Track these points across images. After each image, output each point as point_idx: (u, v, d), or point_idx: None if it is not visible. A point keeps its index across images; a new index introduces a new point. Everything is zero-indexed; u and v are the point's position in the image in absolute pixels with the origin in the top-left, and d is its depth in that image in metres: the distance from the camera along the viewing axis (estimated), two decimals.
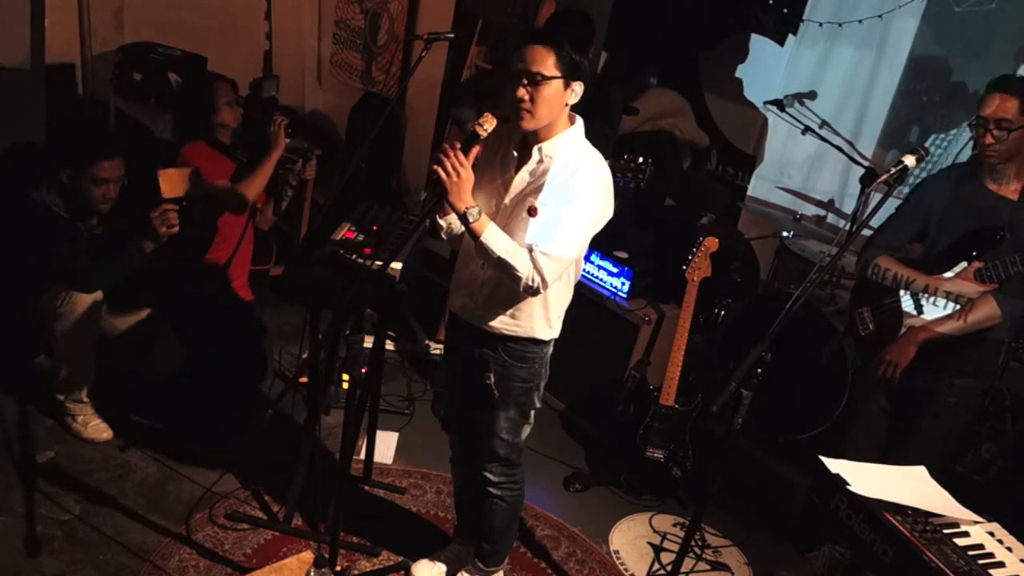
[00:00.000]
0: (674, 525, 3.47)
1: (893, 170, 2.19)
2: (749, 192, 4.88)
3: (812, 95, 4.42)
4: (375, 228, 2.67)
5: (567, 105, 2.27)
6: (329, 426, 3.51)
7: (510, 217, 2.33)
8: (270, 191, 3.89)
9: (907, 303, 2.84)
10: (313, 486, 2.99)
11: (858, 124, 4.46)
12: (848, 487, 2.02)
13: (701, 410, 3.53)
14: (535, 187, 2.31)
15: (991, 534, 2.02)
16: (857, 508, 1.98)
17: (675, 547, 3.25)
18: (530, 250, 2.23)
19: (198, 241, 3.70)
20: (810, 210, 4.48)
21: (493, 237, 2.22)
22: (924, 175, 3.36)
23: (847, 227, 4.04)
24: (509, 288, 2.32)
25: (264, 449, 3.28)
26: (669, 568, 3.10)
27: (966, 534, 1.99)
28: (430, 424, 3.88)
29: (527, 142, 2.32)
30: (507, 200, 2.35)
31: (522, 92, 2.18)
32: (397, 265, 2.51)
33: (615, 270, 3.98)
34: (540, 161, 2.31)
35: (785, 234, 4.16)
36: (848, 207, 4.34)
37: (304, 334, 3.27)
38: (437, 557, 2.92)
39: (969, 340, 2.72)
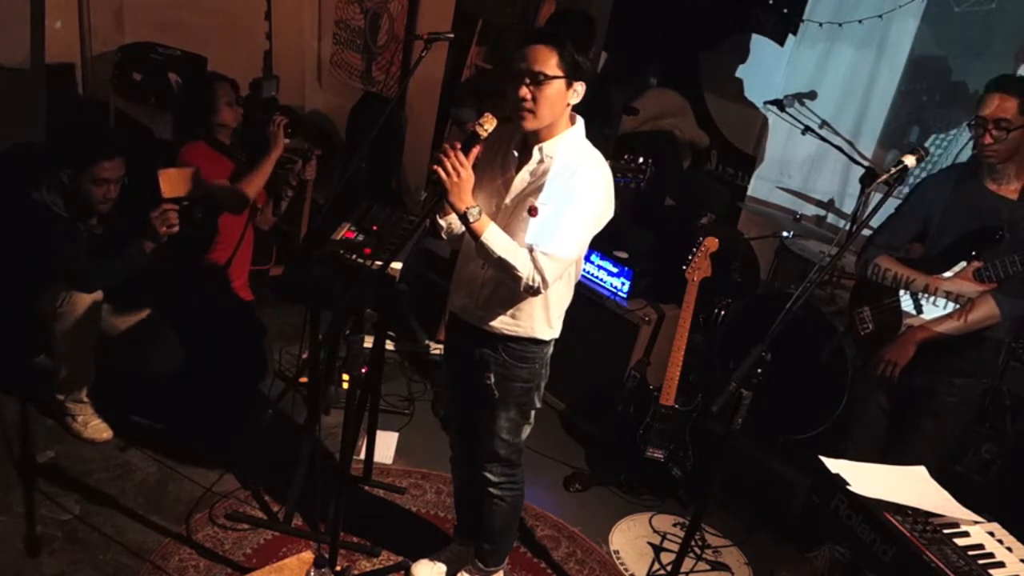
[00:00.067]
0: (674, 525, 3.47)
1: (893, 170, 2.19)
2: (749, 192, 4.88)
3: (812, 95, 4.42)
4: (375, 228, 2.67)
5: (569, 105, 2.27)
6: (329, 426, 3.51)
7: (510, 217, 2.33)
8: (270, 191, 3.89)
9: (907, 303, 2.84)
10: (313, 486, 2.99)
11: (858, 124, 4.46)
12: (848, 487, 2.02)
13: (701, 410, 3.53)
14: (535, 187, 2.31)
15: (991, 534, 2.02)
16: (857, 508, 1.98)
17: (675, 547, 3.25)
18: (530, 250, 2.23)
19: (198, 241, 3.70)
20: (810, 210, 4.48)
21: (493, 237, 2.22)
22: (924, 175, 3.36)
23: (847, 227, 4.04)
24: (509, 288, 2.32)
25: (264, 449, 3.28)
26: (669, 568, 3.10)
27: (966, 534, 1.99)
28: (430, 424, 3.88)
29: (527, 142, 2.32)
30: (507, 200, 2.35)
31: (524, 92, 2.18)
32: (397, 265, 2.52)
33: (615, 270, 3.98)
34: (540, 161, 2.31)
35: (785, 234, 4.16)
36: (848, 207, 4.34)
37: (304, 334, 3.27)
38: (437, 557, 2.92)
39: (969, 340, 2.72)
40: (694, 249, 3.46)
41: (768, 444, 3.66)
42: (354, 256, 2.57)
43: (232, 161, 3.76)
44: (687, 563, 3.09)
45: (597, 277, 4.04)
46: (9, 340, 3.26)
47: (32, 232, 3.08)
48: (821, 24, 4.50)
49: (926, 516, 1.98)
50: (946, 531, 1.96)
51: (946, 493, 2.14)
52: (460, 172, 2.16)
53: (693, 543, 3.25)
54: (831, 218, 4.52)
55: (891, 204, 2.54)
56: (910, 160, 2.20)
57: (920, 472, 2.23)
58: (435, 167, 2.17)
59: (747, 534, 3.47)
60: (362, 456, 3.33)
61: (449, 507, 3.26)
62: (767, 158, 4.89)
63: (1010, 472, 3.40)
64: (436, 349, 4.29)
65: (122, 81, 4.57)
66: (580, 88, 2.25)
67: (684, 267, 3.46)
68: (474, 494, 2.75)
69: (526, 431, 2.60)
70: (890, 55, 4.34)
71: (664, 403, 3.50)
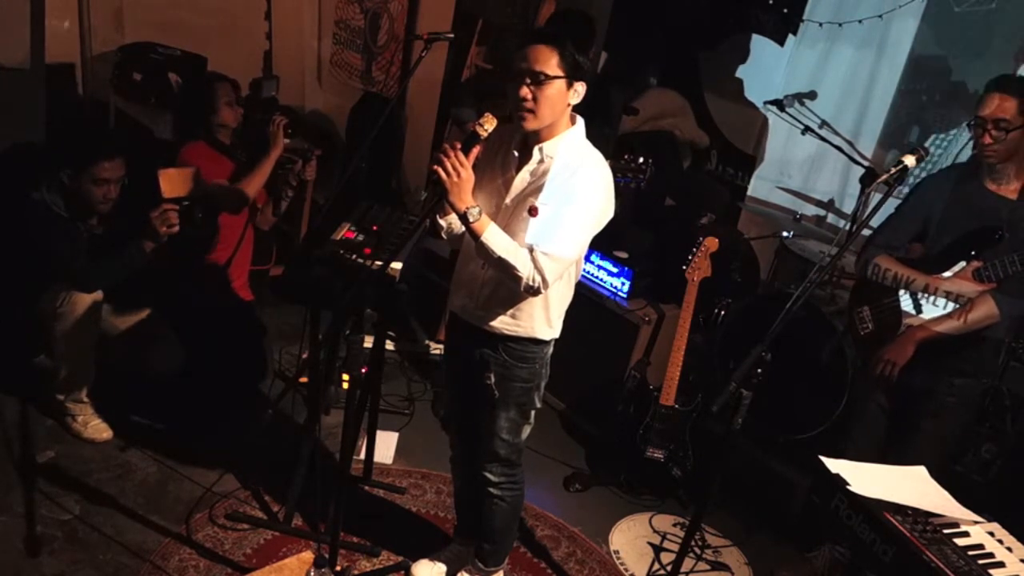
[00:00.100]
0: (674, 525, 3.47)
1: (893, 170, 2.19)
2: (749, 192, 4.88)
3: (812, 95, 4.42)
4: (375, 228, 2.67)
5: (569, 105, 2.27)
6: (329, 426, 3.51)
7: (511, 217, 2.33)
8: (270, 191, 3.90)
9: (906, 302, 2.84)
10: (313, 486, 2.99)
11: (858, 124, 4.46)
12: (848, 487, 2.02)
13: (701, 410, 3.53)
14: (536, 187, 2.31)
15: (991, 534, 2.02)
16: (857, 508, 1.98)
17: (675, 547, 3.25)
18: (531, 250, 2.23)
19: (198, 241, 3.70)
20: (810, 210, 4.48)
21: (494, 237, 2.22)
22: (924, 175, 3.36)
23: (847, 227, 4.04)
24: (510, 288, 2.32)
25: (264, 449, 3.28)
26: (669, 568, 3.10)
27: (966, 534, 1.99)
28: (430, 424, 3.88)
29: (528, 142, 2.32)
30: (508, 200, 2.35)
31: (525, 91, 2.18)
32: (397, 265, 2.52)
33: (615, 270, 3.98)
34: (541, 161, 2.31)
35: (785, 234, 4.16)
36: (848, 207, 4.34)
37: (304, 334, 3.27)
38: (437, 557, 2.92)
39: (968, 340, 2.72)
40: (694, 249, 3.46)
41: (768, 444, 3.66)
42: (354, 256, 2.57)
43: (232, 161, 3.76)
44: (687, 563, 3.09)
45: (597, 277, 4.04)
46: (9, 340, 3.26)
47: (32, 232, 3.08)
48: (821, 24, 4.50)
49: (926, 516, 1.98)
50: (946, 531, 1.96)
51: (946, 493, 2.14)
52: (460, 172, 2.16)
53: (693, 543, 3.25)
54: (831, 218, 4.52)
55: (891, 204, 2.54)
56: (910, 160, 2.20)
57: (920, 472, 2.23)
58: (435, 167, 2.17)
59: (747, 534, 3.47)
60: (362, 456, 3.33)
61: (449, 507, 3.26)
62: (767, 158, 4.89)
63: (1010, 472, 3.40)
64: (436, 349, 4.29)
65: (122, 81, 4.57)
66: (581, 88, 2.25)
67: (684, 267, 3.46)
68: (474, 494, 2.75)
69: (526, 431, 2.60)
70: (890, 55, 4.34)
71: (664, 403, 3.50)
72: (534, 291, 2.26)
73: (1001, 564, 1.92)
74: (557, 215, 2.25)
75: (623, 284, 3.95)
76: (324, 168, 4.19)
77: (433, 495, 3.37)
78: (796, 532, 3.36)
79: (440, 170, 2.16)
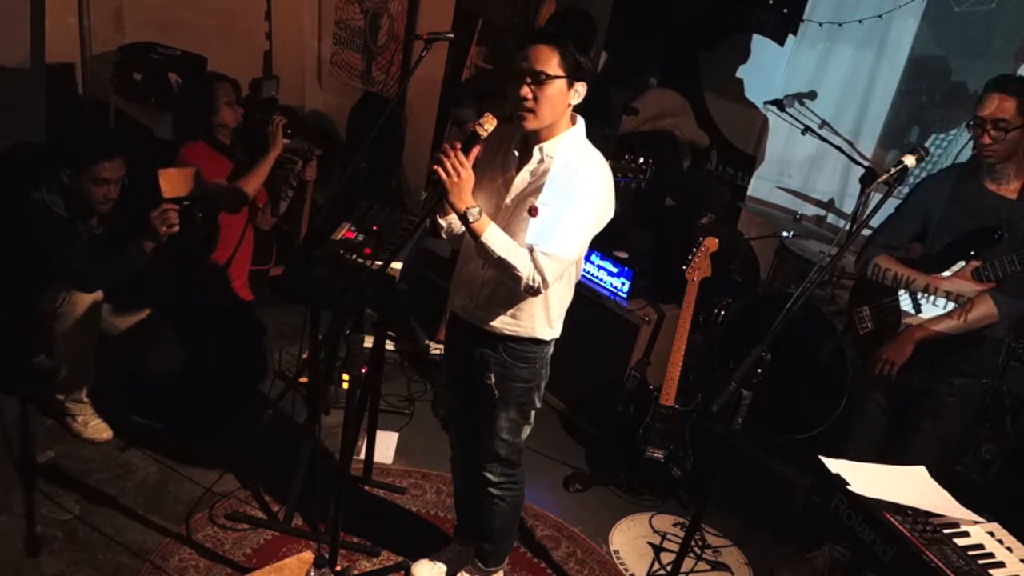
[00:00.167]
0: (674, 525, 3.47)
1: (893, 170, 2.19)
2: (749, 192, 4.88)
3: (812, 95, 4.42)
4: (375, 228, 2.67)
5: (570, 105, 2.27)
6: (329, 426, 3.51)
7: (511, 217, 2.33)
8: (270, 191, 3.89)
9: (906, 302, 2.84)
10: (313, 486, 2.99)
11: (858, 124, 4.46)
12: (848, 487, 2.02)
13: (701, 410, 3.53)
14: (536, 187, 2.31)
15: (991, 534, 2.02)
16: (857, 508, 1.98)
17: (675, 547, 3.25)
18: (531, 250, 2.23)
19: (198, 241, 3.70)
20: (810, 210, 4.48)
21: (494, 237, 2.22)
22: (924, 175, 3.36)
23: (847, 227, 4.04)
24: (510, 288, 2.32)
25: (264, 449, 3.28)
26: (669, 568, 3.10)
27: (966, 534, 1.99)
28: (430, 424, 3.88)
29: (528, 142, 2.32)
30: (508, 200, 2.35)
31: (526, 91, 2.18)
32: (397, 265, 2.52)
33: (615, 270, 3.98)
34: (541, 161, 2.31)
35: (785, 234, 4.16)
36: (848, 207, 4.35)
37: (304, 334, 3.27)
38: (437, 557, 2.92)
39: (968, 340, 2.72)
40: (694, 249, 3.46)
41: (768, 444, 3.66)
42: (354, 256, 2.57)
43: (232, 161, 3.76)
44: (687, 563, 3.09)
45: (597, 277, 4.04)
46: (9, 340, 3.26)
47: (32, 232, 3.08)
48: (821, 24, 4.50)
49: (926, 516, 1.98)
50: (946, 531, 1.96)
51: (946, 493, 2.14)
52: (460, 172, 2.16)
53: (693, 543, 3.25)
54: (831, 218, 4.52)
55: (891, 204, 2.54)
56: (910, 160, 2.20)
57: (920, 472, 2.23)
58: (435, 167, 2.17)
59: (747, 534, 3.47)
60: (362, 456, 3.33)
61: (449, 507, 3.26)
62: (767, 158, 4.89)
63: (1010, 472, 3.40)
64: (436, 349, 4.29)
65: (122, 81, 4.58)
66: (581, 88, 2.25)
67: (684, 267, 3.46)
68: (474, 494, 2.75)
69: (526, 431, 2.60)
70: (890, 55, 4.34)
71: (664, 403, 3.50)
72: (534, 291, 2.26)
73: (1001, 564, 1.92)
74: (557, 215, 2.25)
75: (623, 284, 3.95)
76: (324, 168, 4.19)
77: (433, 495, 3.38)
78: (796, 532, 3.36)
79: (440, 170, 2.16)
